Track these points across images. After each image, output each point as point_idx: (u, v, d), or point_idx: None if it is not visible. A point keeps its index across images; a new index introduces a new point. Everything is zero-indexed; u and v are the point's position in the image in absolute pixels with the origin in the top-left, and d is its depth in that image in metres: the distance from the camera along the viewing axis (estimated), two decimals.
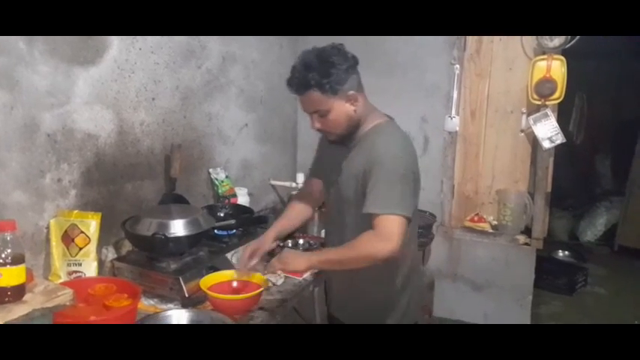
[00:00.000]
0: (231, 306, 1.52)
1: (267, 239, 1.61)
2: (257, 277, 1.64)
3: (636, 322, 3.40)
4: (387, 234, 1.29)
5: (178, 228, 1.63)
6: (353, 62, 1.40)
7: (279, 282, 1.79)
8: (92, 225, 1.64)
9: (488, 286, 2.75)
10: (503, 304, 2.71)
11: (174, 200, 1.96)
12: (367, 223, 1.35)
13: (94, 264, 1.64)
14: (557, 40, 2.39)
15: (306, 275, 1.86)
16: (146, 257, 1.68)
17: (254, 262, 1.56)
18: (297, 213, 1.72)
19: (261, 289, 1.54)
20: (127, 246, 1.76)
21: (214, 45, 2.25)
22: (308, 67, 1.34)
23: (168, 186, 2.01)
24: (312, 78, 1.32)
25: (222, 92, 2.34)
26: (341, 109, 1.38)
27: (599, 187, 5.81)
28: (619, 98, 5.23)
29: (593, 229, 5.31)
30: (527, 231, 2.70)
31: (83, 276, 1.61)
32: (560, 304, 3.72)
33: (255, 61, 2.55)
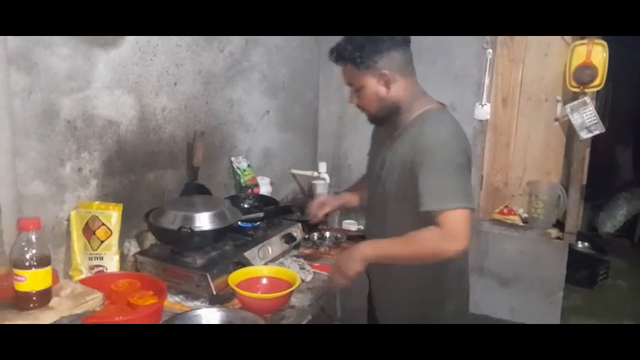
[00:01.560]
0: (262, 305, 1.44)
1: (337, 197, 1.74)
2: (288, 274, 1.56)
3: None
4: (455, 232, 1.19)
5: (204, 221, 1.55)
6: (398, 41, 1.34)
7: (309, 278, 1.70)
8: (114, 217, 1.56)
9: (516, 280, 2.66)
10: (532, 299, 2.62)
11: (196, 190, 1.87)
12: (411, 218, 1.27)
13: (116, 258, 1.56)
14: None
15: None
16: (170, 251, 1.60)
17: (324, 211, 1.66)
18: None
19: (293, 288, 1.45)
20: (150, 239, 1.68)
21: None
22: (349, 40, 1.33)
23: (190, 175, 1.92)
24: (346, 50, 1.32)
25: (245, 77, 2.23)
26: (373, 87, 1.34)
27: (619, 178, 5.68)
28: None
29: (612, 221, 5.20)
30: (559, 224, 2.59)
31: (105, 271, 1.54)
32: (580, 297, 3.64)
33: (277, 45, 2.43)
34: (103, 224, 1.54)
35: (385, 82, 1.33)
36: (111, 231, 1.55)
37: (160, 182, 1.83)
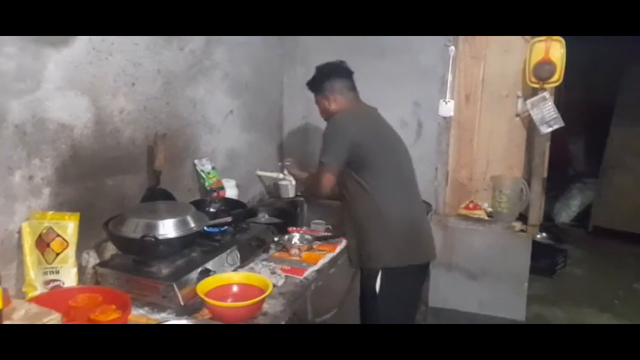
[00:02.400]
0: (234, 314, 1.37)
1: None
2: (259, 280, 1.50)
3: (616, 302, 3.48)
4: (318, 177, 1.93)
5: (169, 228, 1.47)
6: (341, 73, 2.03)
7: (280, 282, 1.65)
8: (70, 227, 1.46)
9: (483, 274, 2.70)
10: (499, 292, 2.67)
11: (159, 196, 1.79)
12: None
13: (74, 271, 1.46)
14: None
15: (307, 274, 1.74)
16: (133, 261, 1.51)
17: None
18: None
19: (265, 295, 1.40)
20: (111, 249, 1.58)
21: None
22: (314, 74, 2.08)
23: (152, 180, 1.83)
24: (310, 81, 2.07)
25: (207, 76, 2.16)
26: (321, 103, 2.05)
27: (572, 169, 5.91)
28: (591, 82, 5.28)
29: (567, 211, 5.41)
30: (522, 217, 2.65)
31: (62, 285, 1.43)
32: (541, 286, 3.75)
33: (240, 43, 2.36)
34: (59, 235, 1.44)
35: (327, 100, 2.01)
36: (67, 242, 1.45)
37: (119, 188, 1.73)
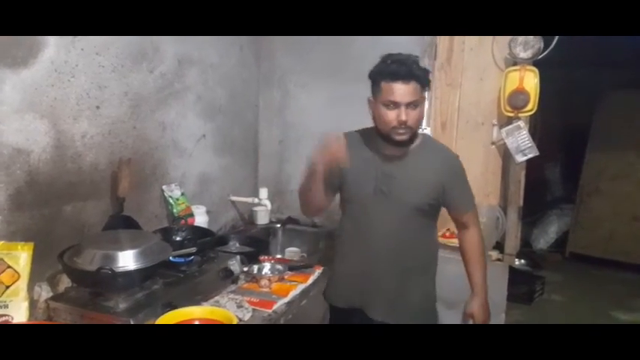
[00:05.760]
0: None
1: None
2: (223, 314, 1.43)
3: None
4: (477, 222, 1.68)
5: (128, 260, 1.40)
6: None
7: (247, 317, 1.58)
8: (22, 258, 1.38)
9: (460, 303, 2.63)
10: None
11: (122, 224, 1.71)
12: (420, 222, 1.59)
13: (25, 305, 1.38)
14: (529, 51, 2.33)
15: (276, 307, 1.67)
16: (89, 294, 1.42)
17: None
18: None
19: None
20: (65, 281, 1.49)
21: (168, 47, 2.01)
22: (412, 62, 1.44)
23: (115, 207, 1.75)
24: (417, 70, 1.43)
25: (178, 99, 2.10)
26: (424, 108, 1.51)
27: (550, 195, 5.97)
28: (567, 108, 5.39)
29: (545, 237, 5.44)
30: (499, 246, 2.62)
31: (11, 321, 1.34)
32: (520, 314, 3.73)
33: (213, 64, 2.32)
34: (9, 267, 1.36)
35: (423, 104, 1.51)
36: (18, 274, 1.37)
37: (79, 216, 1.65)
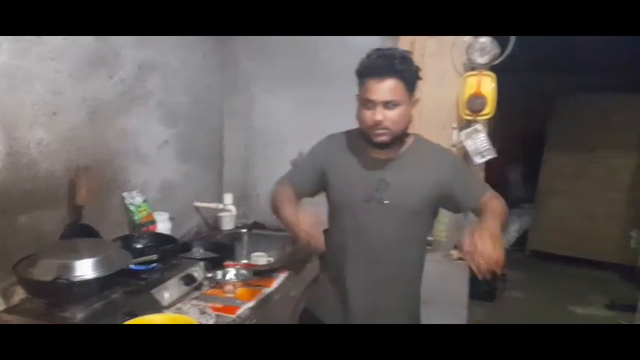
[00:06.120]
0: None
1: (294, 214, 1.36)
2: (185, 322, 1.42)
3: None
4: (497, 196, 1.45)
5: (86, 269, 1.38)
6: (420, 74, 1.42)
7: (209, 323, 1.57)
8: None
9: (425, 303, 2.68)
10: (440, 319, 2.65)
11: (80, 232, 1.68)
12: (421, 229, 1.53)
13: None
14: (486, 57, 2.41)
15: (240, 312, 1.67)
16: (45, 305, 1.39)
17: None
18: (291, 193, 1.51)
19: None
20: (20, 293, 1.45)
21: (128, 51, 1.98)
22: (394, 56, 1.33)
23: (73, 215, 1.71)
24: (398, 65, 1.32)
25: (139, 105, 2.08)
26: (408, 107, 1.39)
27: (511, 195, 6.17)
28: (525, 111, 5.59)
29: (507, 235, 5.59)
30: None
31: None
32: (482, 311, 3.83)
33: (175, 69, 2.30)
34: None
35: (414, 107, 1.42)
36: None
37: (35, 225, 1.61)
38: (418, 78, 1.40)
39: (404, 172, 1.45)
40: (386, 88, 1.32)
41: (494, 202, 1.41)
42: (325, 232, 1.44)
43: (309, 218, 1.31)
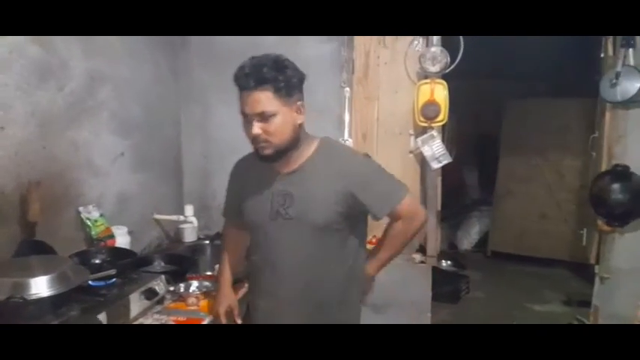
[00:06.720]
0: None
1: (228, 294, 1.62)
2: None
3: (514, 322, 3.71)
4: (413, 212, 1.43)
5: (41, 286, 1.33)
6: (302, 76, 1.34)
7: None
8: None
9: (387, 306, 2.74)
10: (404, 322, 2.72)
11: (34, 249, 1.62)
12: (336, 242, 1.39)
13: None
14: (438, 65, 2.50)
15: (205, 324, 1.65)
16: None
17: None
18: (236, 244, 1.63)
19: None
20: None
21: (77, 62, 1.93)
22: (263, 64, 1.25)
23: (25, 232, 1.65)
24: (267, 73, 1.24)
25: (91, 116, 2.03)
26: (289, 116, 1.29)
27: (469, 198, 6.35)
28: (480, 116, 5.79)
29: (468, 238, 5.76)
30: (421, 249, 2.76)
31: None
32: (447, 313, 3.90)
33: (127, 79, 2.26)
34: None
35: (299, 114, 1.32)
36: None
37: None
38: (299, 81, 1.31)
39: (307, 184, 1.36)
40: (255, 100, 1.25)
41: (398, 229, 1.43)
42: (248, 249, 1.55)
43: (226, 303, 1.58)
